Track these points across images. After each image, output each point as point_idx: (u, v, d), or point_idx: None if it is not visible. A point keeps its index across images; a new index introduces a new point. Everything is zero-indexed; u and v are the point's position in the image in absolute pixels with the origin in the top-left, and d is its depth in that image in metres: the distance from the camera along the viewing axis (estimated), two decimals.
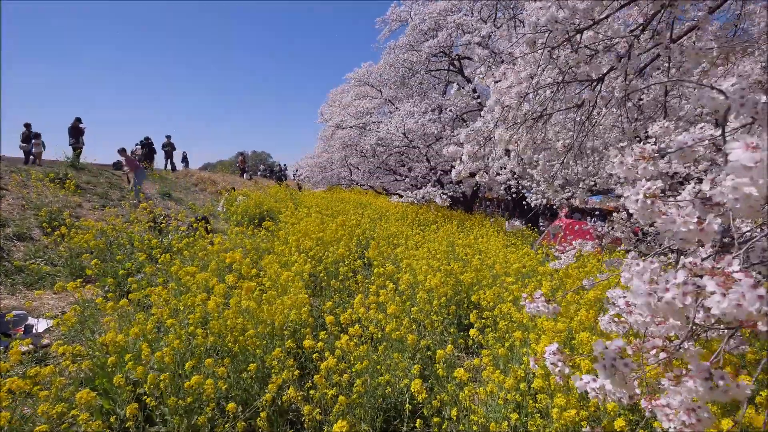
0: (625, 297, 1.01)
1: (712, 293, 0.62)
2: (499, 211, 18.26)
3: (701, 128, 0.99)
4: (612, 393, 0.80)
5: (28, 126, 10.69)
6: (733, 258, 0.68)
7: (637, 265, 0.98)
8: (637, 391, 0.80)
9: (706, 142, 0.93)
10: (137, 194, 8.38)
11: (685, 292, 0.68)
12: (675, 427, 0.71)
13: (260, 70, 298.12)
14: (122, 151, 9.74)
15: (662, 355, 0.75)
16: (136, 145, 14.58)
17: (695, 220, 0.74)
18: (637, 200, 0.82)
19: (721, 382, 0.69)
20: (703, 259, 0.80)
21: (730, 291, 0.60)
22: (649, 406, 0.74)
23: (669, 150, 0.95)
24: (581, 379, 0.86)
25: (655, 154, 0.87)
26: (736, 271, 0.63)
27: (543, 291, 3.24)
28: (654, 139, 1.73)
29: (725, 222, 0.80)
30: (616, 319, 1.21)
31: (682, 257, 0.79)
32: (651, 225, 2.22)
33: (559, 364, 0.96)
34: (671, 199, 0.83)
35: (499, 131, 2.31)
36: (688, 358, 0.75)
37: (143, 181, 8.63)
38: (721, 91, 0.85)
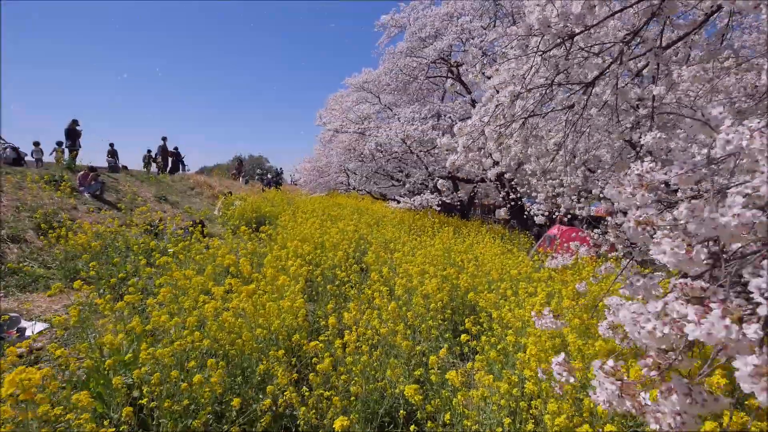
0: (622, 305, 1.04)
1: (690, 321, 0.70)
2: (492, 217, 18.32)
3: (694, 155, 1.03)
4: (615, 405, 0.86)
5: (112, 144, 13.30)
6: (718, 286, 0.73)
7: (638, 281, 1.02)
8: (645, 400, 0.84)
9: (703, 171, 0.95)
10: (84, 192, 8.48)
11: (664, 323, 0.75)
12: (662, 427, 0.75)
13: (260, 73, 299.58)
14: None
15: (653, 373, 0.81)
16: (149, 151, 15.09)
17: (684, 250, 0.78)
18: (629, 228, 0.87)
19: (698, 398, 0.75)
20: (694, 279, 0.83)
21: (703, 321, 0.67)
22: (636, 408, 0.80)
23: (670, 177, 0.97)
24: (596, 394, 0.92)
25: (653, 181, 0.91)
26: (714, 301, 0.70)
27: (539, 297, 3.26)
28: (650, 158, 1.74)
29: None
30: (612, 327, 1.23)
31: (673, 278, 0.83)
32: None
33: (564, 373, 1.01)
34: (661, 222, 0.87)
35: (489, 129, 2.34)
36: (672, 377, 0.79)
37: (91, 191, 8.61)
38: (708, 125, 0.89)
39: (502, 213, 3.47)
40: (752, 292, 0.71)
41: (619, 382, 0.85)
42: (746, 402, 1.86)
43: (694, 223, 0.78)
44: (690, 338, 0.70)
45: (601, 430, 1.94)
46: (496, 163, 2.73)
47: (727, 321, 0.66)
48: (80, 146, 11.48)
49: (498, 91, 2.39)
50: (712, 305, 0.69)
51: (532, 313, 1.36)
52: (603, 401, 0.87)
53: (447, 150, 2.44)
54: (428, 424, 2.18)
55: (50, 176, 8.18)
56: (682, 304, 0.74)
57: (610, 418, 1.97)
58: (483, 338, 2.85)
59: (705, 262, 0.79)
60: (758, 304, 0.63)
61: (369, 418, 2.44)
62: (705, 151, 1.02)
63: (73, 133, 11.39)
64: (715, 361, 0.81)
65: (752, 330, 0.65)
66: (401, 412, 2.29)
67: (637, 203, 0.98)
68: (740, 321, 0.66)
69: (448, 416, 2.07)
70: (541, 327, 1.28)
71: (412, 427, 2.16)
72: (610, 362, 0.89)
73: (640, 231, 0.87)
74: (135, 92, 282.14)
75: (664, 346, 0.80)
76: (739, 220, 0.73)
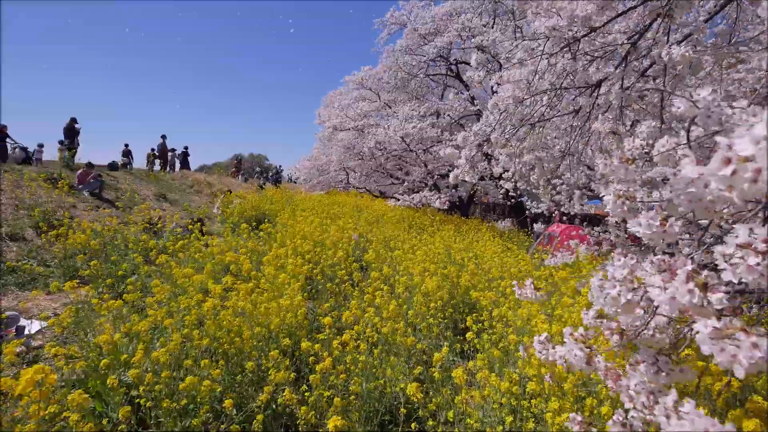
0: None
1: (656, 287, 0.69)
2: (494, 215, 18.29)
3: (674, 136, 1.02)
4: (573, 363, 0.91)
5: (127, 145, 14.12)
6: (688, 257, 0.72)
7: (618, 260, 1.02)
8: (601, 364, 0.89)
9: (673, 148, 0.96)
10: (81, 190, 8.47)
11: (629, 288, 0.76)
12: (635, 407, 0.76)
13: (258, 71, 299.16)
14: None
15: (615, 338, 0.83)
16: (153, 149, 15.11)
17: (658, 222, 0.78)
18: (610, 200, 0.87)
19: (665, 368, 0.76)
20: (671, 255, 0.84)
21: (668, 285, 0.67)
22: (614, 386, 0.81)
23: (654, 154, 0.98)
24: (555, 350, 0.97)
25: (636, 156, 0.91)
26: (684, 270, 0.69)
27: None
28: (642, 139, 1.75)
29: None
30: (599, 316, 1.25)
31: (651, 254, 0.83)
32: None
33: (544, 351, 1.04)
34: (640, 200, 0.87)
35: (495, 135, 2.34)
36: (640, 345, 0.81)
37: (90, 189, 8.60)
38: (693, 102, 0.88)
39: (506, 224, 3.43)
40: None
41: (588, 349, 0.89)
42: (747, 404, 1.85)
43: (672, 193, 0.76)
44: (655, 303, 0.70)
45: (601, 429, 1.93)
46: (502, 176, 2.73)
47: (691, 285, 0.65)
48: (78, 144, 11.45)
49: (504, 98, 2.37)
50: (678, 272, 0.68)
51: (514, 283, 1.37)
52: (574, 365, 0.91)
53: (449, 162, 2.44)
54: (429, 422, 2.17)
55: (48, 174, 8.15)
56: (651, 273, 0.74)
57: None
58: (484, 336, 2.83)
59: (678, 234, 0.79)
60: (722, 270, 0.62)
61: (370, 416, 2.43)
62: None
63: (71, 131, 11.35)
64: (681, 340, 0.82)
65: (716, 298, 0.64)
66: (402, 410, 2.27)
67: (621, 177, 0.98)
68: (705, 287, 0.65)
69: (451, 414, 2.06)
70: (520, 297, 1.29)
71: (413, 425, 2.15)
72: (581, 330, 0.93)
73: (619, 204, 0.87)
74: (135, 92, 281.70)
75: (629, 315, 0.80)
76: (716, 194, 0.69)
